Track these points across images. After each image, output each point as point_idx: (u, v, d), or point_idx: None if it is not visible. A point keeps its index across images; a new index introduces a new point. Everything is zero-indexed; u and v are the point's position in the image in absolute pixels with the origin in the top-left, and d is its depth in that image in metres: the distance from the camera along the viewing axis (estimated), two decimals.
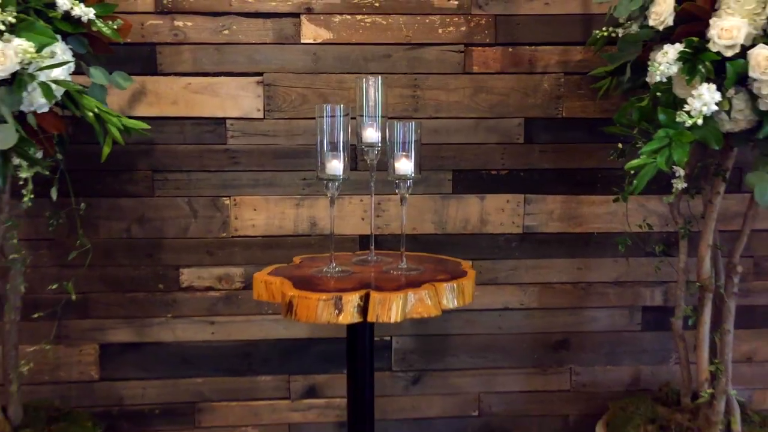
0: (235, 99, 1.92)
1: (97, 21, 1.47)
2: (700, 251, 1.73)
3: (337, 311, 1.30)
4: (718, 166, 1.69)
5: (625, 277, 2.06)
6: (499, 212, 2.02)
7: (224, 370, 2.02)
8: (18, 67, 1.35)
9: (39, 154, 1.49)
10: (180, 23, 1.89)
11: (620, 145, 1.75)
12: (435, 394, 2.08)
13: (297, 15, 1.92)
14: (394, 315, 1.31)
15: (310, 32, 1.92)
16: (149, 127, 1.60)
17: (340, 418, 2.05)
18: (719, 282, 1.78)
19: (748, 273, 2.08)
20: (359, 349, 1.59)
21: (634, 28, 1.62)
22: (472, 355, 2.07)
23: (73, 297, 1.71)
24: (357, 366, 1.59)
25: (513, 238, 2.04)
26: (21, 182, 1.48)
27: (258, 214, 1.97)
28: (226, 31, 1.90)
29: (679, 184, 1.69)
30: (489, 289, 2.05)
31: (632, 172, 1.43)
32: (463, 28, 1.95)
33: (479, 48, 1.96)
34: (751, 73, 1.40)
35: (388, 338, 2.06)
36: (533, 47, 1.96)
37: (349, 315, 1.30)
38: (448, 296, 1.40)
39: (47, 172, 1.52)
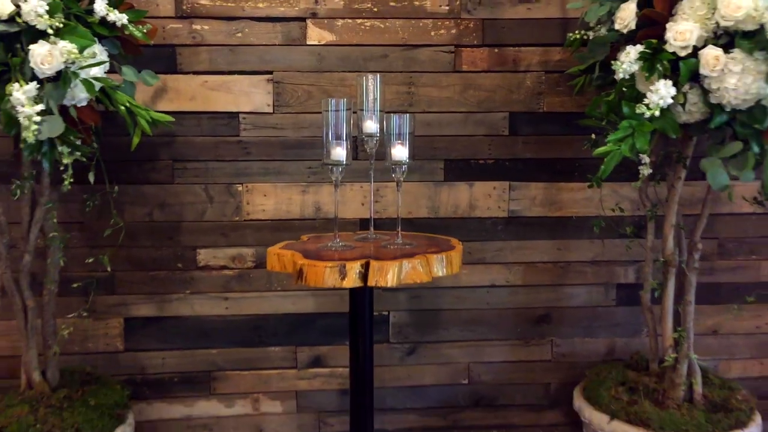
0: (247, 95, 2.13)
1: (129, 25, 1.68)
2: (665, 231, 1.94)
3: (341, 276, 1.50)
4: (679, 154, 1.89)
5: (600, 257, 2.27)
6: (486, 198, 2.23)
7: (237, 341, 2.22)
8: (63, 66, 1.55)
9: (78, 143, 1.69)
10: (198, 27, 2.09)
11: (593, 136, 1.95)
12: (428, 363, 2.29)
13: (303, 19, 2.12)
14: (391, 280, 1.51)
15: (315, 35, 2.13)
16: (173, 119, 1.80)
17: (343, 386, 2.25)
18: (682, 258, 1.98)
19: (713, 253, 2.29)
20: (360, 321, 1.78)
21: (603, 31, 1.83)
22: (462, 329, 2.28)
23: (108, 268, 1.92)
24: (358, 338, 1.78)
25: (499, 222, 2.24)
26: (62, 168, 1.68)
27: (268, 200, 2.18)
28: (239, 34, 2.11)
29: (645, 171, 1.90)
30: (477, 268, 2.25)
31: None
32: (454, 31, 2.15)
33: (468, 49, 2.16)
34: (702, 71, 1.61)
35: (386, 313, 2.26)
36: (517, 48, 2.17)
37: (352, 280, 1.50)
38: (438, 266, 1.60)
39: (85, 159, 1.72)
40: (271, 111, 2.14)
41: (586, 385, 2.11)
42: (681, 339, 1.94)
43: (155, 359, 2.20)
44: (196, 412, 2.24)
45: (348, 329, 1.81)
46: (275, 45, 2.12)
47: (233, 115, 2.14)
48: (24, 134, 1.49)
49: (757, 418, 1.94)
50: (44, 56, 1.51)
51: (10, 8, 1.52)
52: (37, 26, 1.53)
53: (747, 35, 1.58)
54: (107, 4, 1.65)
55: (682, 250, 2.00)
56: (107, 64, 1.68)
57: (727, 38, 1.61)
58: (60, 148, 1.61)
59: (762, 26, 1.55)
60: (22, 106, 1.47)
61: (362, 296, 1.73)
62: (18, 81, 1.51)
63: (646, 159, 1.90)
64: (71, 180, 1.69)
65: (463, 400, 2.31)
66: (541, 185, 2.23)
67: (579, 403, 2.06)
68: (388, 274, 1.51)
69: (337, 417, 2.27)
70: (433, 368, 2.29)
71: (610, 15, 1.78)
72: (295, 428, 2.27)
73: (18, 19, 1.53)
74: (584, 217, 2.24)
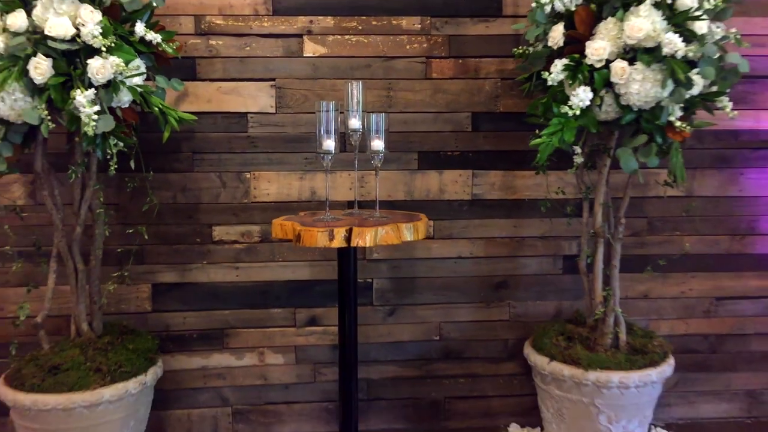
0: (254, 98, 2.57)
1: (163, 43, 2.12)
2: (594, 209, 2.39)
3: (330, 238, 1.94)
4: (604, 146, 2.34)
5: (548, 233, 2.72)
6: (453, 183, 2.67)
7: (245, 304, 2.66)
8: (112, 76, 1.99)
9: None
10: (213, 42, 2.53)
11: (537, 131, 2.39)
12: (406, 323, 2.73)
13: (300, 35, 2.56)
14: (369, 241, 1.95)
15: (311, 48, 2.57)
16: (196, 118, 2.24)
17: (333, 342, 2.69)
18: (610, 232, 2.43)
19: (643, 230, 2.74)
20: (346, 286, 2.18)
21: (540, 47, 2.27)
22: (434, 293, 2.72)
23: (146, 236, 2.37)
24: (345, 300, 2.20)
25: (464, 203, 2.69)
26: (108, 157, 2.11)
27: (271, 185, 2.62)
28: (248, 48, 2.55)
29: (579, 160, 2.35)
30: (446, 242, 2.70)
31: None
32: (425, 45, 2.60)
33: (437, 60, 2.61)
34: (612, 79, 2.06)
35: (370, 280, 2.70)
36: (477, 59, 2.61)
37: (338, 241, 1.94)
38: (407, 232, 2.04)
39: (126, 150, 2.16)
40: (274, 111, 2.58)
41: (534, 338, 2.55)
42: (608, 296, 2.39)
43: (177, 318, 2.64)
44: (211, 363, 2.67)
45: (338, 292, 2.23)
46: (277, 57, 2.56)
47: (242, 115, 2.58)
48: (84, 129, 1.93)
49: (670, 360, 2.39)
50: (99, 68, 1.95)
51: (72, 31, 1.96)
52: (93, 45, 1.96)
53: (647, 51, 2.03)
54: (145, 26, 2.09)
55: (610, 225, 2.44)
56: (144, 74, 2.12)
57: (632, 53, 2.06)
58: (110, 140, 2.05)
59: (658, 44, 2.01)
60: (83, 107, 1.91)
61: (347, 263, 2.16)
62: (79, 88, 1.95)
63: (578, 150, 2.35)
64: (116, 166, 2.12)
65: (435, 354, 2.75)
66: (499, 173, 2.68)
67: (528, 351, 2.51)
68: (367, 237, 1.95)
69: (329, 368, 2.71)
70: (409, 327, 2.73)
71: (545, 34, 2.23)
72: (294, 377, 2.71)
73: (78, 40, 1.97)
74: (534, 199, 2.68)
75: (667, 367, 2.36)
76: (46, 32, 1.94)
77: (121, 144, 2.11)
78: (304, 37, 2.57)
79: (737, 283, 2.79)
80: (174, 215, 2.59)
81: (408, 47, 2.59)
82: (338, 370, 2.30)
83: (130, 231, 2.44)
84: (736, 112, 2.13)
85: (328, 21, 2.56)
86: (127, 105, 2.10)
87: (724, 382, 2.84)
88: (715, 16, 2.13)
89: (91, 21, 1.96)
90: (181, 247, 2.61)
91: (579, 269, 2.50)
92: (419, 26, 2.59)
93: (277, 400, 2.71)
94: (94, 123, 1.92)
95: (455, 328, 2.75)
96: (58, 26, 1.94)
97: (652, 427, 2.74)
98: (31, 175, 2.49)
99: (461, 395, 2.78)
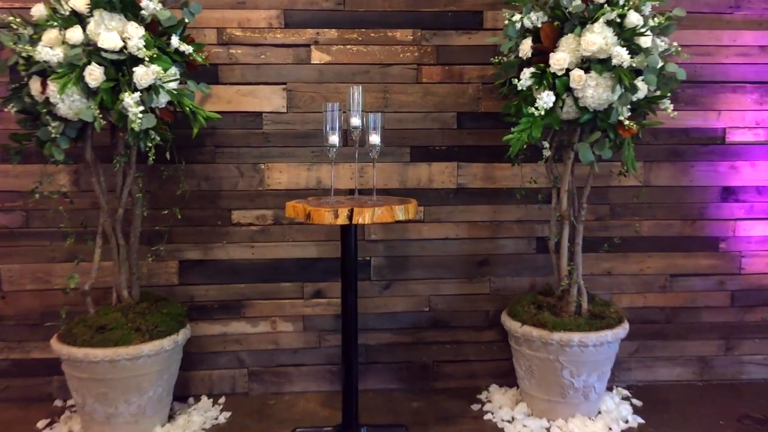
0: (268, 99, 2.96)
1: (194, 54, 2.51)
2: (561, 196, 2.78)
3: (335, 216, 2.33)
4: (568, 141, 2.74)
5: (524, 217, 3.11)
6: (441, 174, 3.07)
7: (260, 278, 3.05)
8: (153, 81, 2.38)
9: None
10: (233, 51, 2.93)
11: (512, 129, 2.79)
12: (399, 296, 3.12)
13: (308, 45, 2.96)
14: (367, 219, 2.35)
15: (317, 56, 2.96)
16: (220, 116, 2.64)
17: (336, 312, 3.08)
18: (574, 215, 2.83)
19: (606, 215, 3.14)
20: (348, 263, 2.57)
21: (512, 57, 2.67)
22: (424, 270, 3.12)
23: (179, 216, 2.77)
24: (347, 276, 2.58)
25: (450, 191, 3.08)
26: (147, 149, 2.50)
27: (282, 175, 3.01)
28: (263, 56, 2.94)
29: (547, 153, 2.75)
30: (435, 225, 3.09)
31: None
32: (416, 54, 2.99)
33: (427, 66, 3.00)
34: (571, 85, 2.45)
35: (369, 258, 3.09)
36: (461, 66, 3.01)
37: (342, 219, 2.34)
38: (399, 212, 2.43)
39: (162, 143, 2.55)
40: (285, 111, 2.98)
41: (509, 307, 2.95)
42: (572, 270, 2.79)
43: (201, 291, 3.04)
44: (230, 330, 3.07)
45: (341, 269, 2.61)
46: (288, 64, 2.96)
47: (258, 114, 2.97)
48: (131, 125, 2.32)
49: (625, 324, 2.79)
50: (142, 75, 2.35)
51: (120, 44, 2.35)
52: (138, 55, 2.36)
53: (600, 62, 2.43)
54: (179, 39, 2.49)
55: (575, 210, 2.84)
56: (179, 79, 2.51)
57: (588, 63, 2.45)
58: (150, 135, 2.45)
59: (609, 56, 2.41)
60: (131, 107, 2.31)
61: (349, 239, 2.55)
62: (126, 91, 2.34)
63: (546, 145, 2.76)
64: (153, 157, 2.52)
65: (424, 323, 3.15)
66: (481, 165, 3.07)
67: (504, 318, 2.91)
68: (366, 215, 2.34)
69: (332, 335, 3.11)
70: (402, 299, 3.13)
71: (516, 47, 2.63)
72: (302, 343, 3.11)
73: (125, 51, 2.37)
74: (511, 188, 3.08)
75: (621, 330, 2.76)
76: (98, 45, 2.34)
77: (158, 138, 2.50)
78: (312, 47, 2.96)
79: (689, 262, 3.19)
80: (198, 201, 2.98)
81: (401, 56, 2.99)
82: (341, 336, 2.71)
83: (165, 212, 2.84)
84: (676, 112, 2.54)
85: (333, 33, 2.96)
86: (164, 105, 2.49)
87: (678, 349, 3.24)
88: (660, 31, 2.53)
89: (136, 35, 2.36)
90: (204, 228, 3.01)
91: (548, 248, 2.90)
92: (411, 38, 2.98)
93: (287, 363, 3.11)
94: (139, 120, 2.32)
95: (442, 300, 3.14)
96: (108, 40, 2.33)
97: (615, 387, 3.14)
98: (75, 165, 2.89)
99: (447, 359, 3.17)
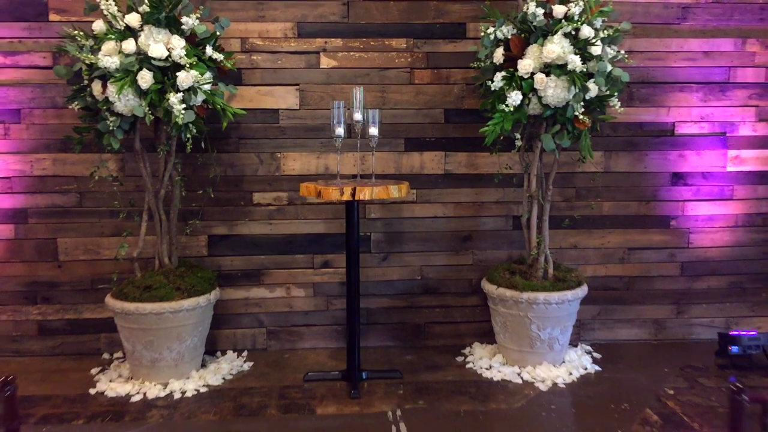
0: (284, 98, 3.49)
1: (225, 61, 3.04)
2: (531, 178, 3.31)
3: (341, 194, 2.86)
4: (536, 133, 3.26)
5: (501, 199, 3.64)
6: (431, 162, 3.60)
7: (276, 251, 3.59)
8: (192, 84, 2.91)
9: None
10: (254, 57, 3.46)
11: (488, 123, 3.31)
12: (396, 266, 3.66)
13: (317, 52, 3.49)
14: (367, 195, 2.88)
15: (325, 62, 3.49)
16: (245, 112, 3.17)
17: (341, 280, 3.61)
18: (542, 195, 3.35)
19: (572, 197, 3.66)
20: (351, 237, 3.12)
21: (488, 63, 3.19)
22: (417, 244, 3.65)
23: (212, 195, 3.31)
24: (351, 248, 3.13)
25: (439, 177, 3.61)
26: (186, 140, 3.03)
27: (296, 163, 3.55)
28: (279, 61, 3.47)
29: (518, 143, 3.27)
30: (425, 205, 3.62)
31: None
32: (409, 59, 3.52)
33: (418, 70, 3.53)
34: (535, 86, 2.98)
35: (369, 234, 3.62)
36: (448, 69, 3.54)
37: (347, 195, 2.87)
38: (393, 190, 2.96)
39: (198, 135, 3.08)
40: (298, 108, 3.51)
41: (488, 275, 3.48)
42: (540, 242, 3.32)
43: (226, 261, 3.57)
44: (251, 295, 3.61)
45: (345, 243, 3.15)
46: (301, 68, 3.49)
47: (275, 111, 3.51)
48: (174, 120, 2.86)
49: (584, 287, 3.32)
50: (184, 78, 2.88)
51: (166, 53, 2.88)
52: (180, 63, 2.89)
53: (558, 67, 2.95)
54: (212, 48, 3.02)
55: (543, 191, 3.37)
56: (212, 82, 3.04)
57: (548, 68, 2.98)
58: (189, 128, 2.98)
59: (566, 62, 2.93)
60: (175, 105, 2.84)
61: (352, 215, 3.09)
62: (171, 92, 2.87)
63: (518, 137, 3.28)
64: (191, 147, 3.05)
65: (417, 289, 3.68)
66: (464, 154, 3.60)
67: (483, 283, 3.43)
68: (366, 192, 2.88)
69: (338, 299, 3.64)
70: (398, 269, 3.66)
71: (491, 54, 3.15)
72: (312, 306, 3.64)
73: (169, 59, 2.90)
74: (490, 173, 3.60)
75: (580, 291, 3.29)
76: (148, 54, 2.87)
77: (195, 130, 3.04)
78: (321, 54, 3.49)
79: (644, 237, 3.72)
80: (224, 184, 3.52)
81: (397, 61, 3.52)
82: (345, 301, 3.24)
83: (200, 192, 3.39)
84: (623, 108, 3.07)
85: (338, 42, 3.49)
86: (200, 103, 3.02)
87: (635, 313, 3.77)
88: (611, 41, 3.06)
89: (179, 46, 2.89)
90: (230, 208, 3.54)
91: (521, 223, 3.43)
92: (405, 45, 3.51)
93: (299, 323, 3.65)
94: (182, 115, 2.85)
95: (432, 270, 3.67)
96: (156, 50, 2.87)
97: (579, 344, 3.67)
98: (122, 154, 3.42)
99: (437, 321, 3.71)
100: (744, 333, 3.36)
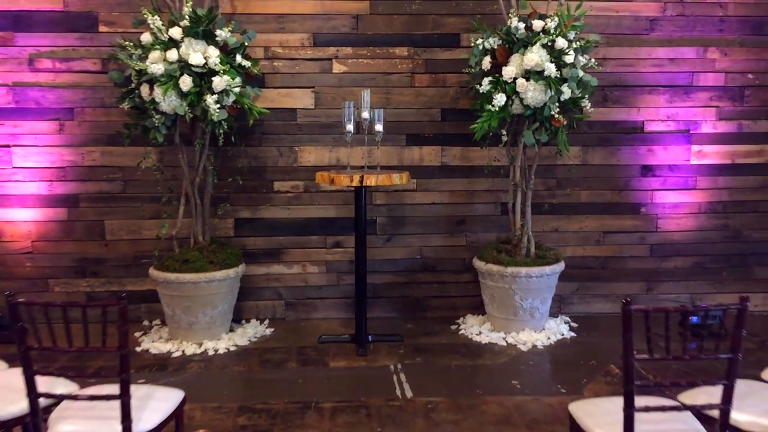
0: (301, 99, 4.01)
1: (251, 67, 3.56)
2: (515, 169, 3.81)
3: (351, 180, 3.38)
4: (519, 130, 3.76)
5: (491, 188, 4.15)
6: (429, 155, 4.11)
7: (294, 232, 4.11)
8: (225, 87, 3.43)
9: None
10: (276, 63, 3.98)
11: (477, 121, 3.81)
12: (398, 246, 4.17)
13: (330, 59, 4.01)
14: (373, 182, 3.39)
15: (337, 67, 4.01)
16: (269, 111, 3.69)
17: (351, 258, 4.12)
18: (525, 184, 3.85)
19: (553, 186, 4.17)
20: (360, 221, 3.64)
21: (477, 69, 3.70)
22: (416, 227, 4.16)
23: (240, 182, 3.83)
24: (359, 231, 3.65)
25: (436, 168, 4.12)
26: (219, 134, 3.55)
27: (311, 155, 4.06)
28: (297, 67, 3.99)
29: (504, 139, 3.78)
30: (424, 193, 4.13)
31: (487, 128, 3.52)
32: (410, 65, 4.03)
33: (418, 74, 4.04)
34: (517, 89, 3.49)
35: (375, 218, 4.14)
36: (444, 74, 4.05)
37: (356, 182, 3.38)
38: (395, 178, 3.47)
39: (229, 130, 3.61)
40: (313, 107, 4.03)
41: (479, 253, 3.98)
42: (523, 225, 3.83)
43: (250, 241, 4.10)
44: (271, 271, 4.13)
45: (354, 225, 3.67)
46: (316, 73, 4.00)
47: (293, 110, 4.03)
48: (210, 117, 3.38)
49: (561, 263, 3.82)
50: (219, 83, 3.40)
51: (203, 61, 3.40)
52: (215, 69, 3.41)
53: (537, 73, 3.45)
54: (242, 57, 3.54)
55: (526, 181, 3.87)
56: (241, 86, 3.56)
57: (528, 74, 3.48)
58: (223, 124, 3.50)
59: (543, 69, 3.43)
60: (211, 105, 3.36)
61: (360, 199, 3.60)
62: (207, 94, 3.39)
63: (504, 133, 3.78)
64: (222, 140, 3.57)
65: (417, 267, 4.19)
66: (459, 148, 4.11)
67: (474, 260, 3.94)
68: (372, 179, 3.39)
69: (348, 275, 4.15)
70: (400, 249, 4.17)
71: (480, 61, 3.66)
72: (325, 281, 4.16)
73: (206, 66, 3.42)
74: (481, 165, 4.10)
75: (557, 267, 3.79)
76: (189, 62, 3.39)
77: (226, 126, 3.56)
78: (333, 60, 4.01)
79: (617, 222, 4.21)
80: (249, 174, 4.04)
81: (399, 66, 4.03)
82: (354, 277, 3.76)
83: (229, 180, 3.91)
84: (592, 109, 3.57)
85: (349, 50, 4.00)
86: (230, 103, 3.54)
87: (609, 289, 4.26)
88: (582, 51, 3.56)
89: (214, 55, 3.41)
90: (254, 194, 4.06)
91: (508, 210, 3.93)
92: (406, 53, 4.03)
93: (313, 296, 4.17)
94: (217, 114, 3.38)
95: (430, 250, 4.18)
96: (195, 58, 3.39)
97: (560, 315, 4.17)
98: (160, 147, 3.94)
99: (434, 295, 4.22)
100: (704, 306, 3.84)
